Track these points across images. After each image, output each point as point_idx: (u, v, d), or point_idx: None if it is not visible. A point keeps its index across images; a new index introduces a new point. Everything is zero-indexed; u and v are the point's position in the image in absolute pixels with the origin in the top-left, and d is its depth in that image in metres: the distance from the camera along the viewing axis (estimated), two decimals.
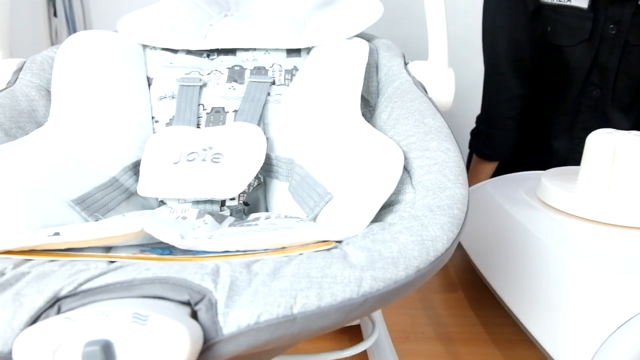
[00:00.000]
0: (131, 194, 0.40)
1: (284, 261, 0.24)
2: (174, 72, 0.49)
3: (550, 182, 0.48)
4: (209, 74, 0.49)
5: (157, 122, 0.46)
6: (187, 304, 0.22)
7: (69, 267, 0.25)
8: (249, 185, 0.41)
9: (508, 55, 0.80)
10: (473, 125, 0.90)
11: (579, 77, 0.77)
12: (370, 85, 0.46)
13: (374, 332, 0.37)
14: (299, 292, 0.21)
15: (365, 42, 0.46)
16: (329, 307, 0.21)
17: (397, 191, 0.31)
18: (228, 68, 0.49)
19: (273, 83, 0.48)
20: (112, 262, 0.26)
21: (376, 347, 0.42)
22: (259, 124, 0.43)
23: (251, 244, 0.27)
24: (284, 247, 0.27)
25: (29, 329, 0.19)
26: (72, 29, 1.17)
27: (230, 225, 0.34)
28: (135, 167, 0.42)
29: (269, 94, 0.46)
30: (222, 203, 0.40)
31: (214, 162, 0.39)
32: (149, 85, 0.48)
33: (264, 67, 0.49)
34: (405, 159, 0.33)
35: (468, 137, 0.91)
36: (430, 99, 0.40)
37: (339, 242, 0.27)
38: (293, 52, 0.51)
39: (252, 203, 0.43)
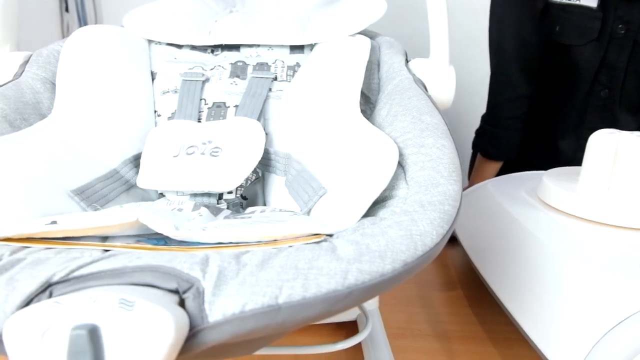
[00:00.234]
0: (131, 186, 0.41)
1: (273, 253, 0.24)
2: (177, 67, 0.50)
3: (551, 181, 0.47)
4: (212, 69, 0.49)
5: (159, 116, 0.46)
6: (176, 292, 0.22)
7: (64, 254, 0.25)
8: (247, 179, 0.41)
9: (515, 54, 0.79)
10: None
11: (587, 76, 0.76)
12: (372, 82, 0.47)
13: (367, 326, 0.38)
14: (284, 283, 0.22)
15: (368, 39, 0.47)
16: (314, 298, 0.21)
17: (391, 187, 0.31)
18: (231, 64, 0.49)
19: (275, 79, 0.48)
20: (107, 250, 0.26)
21: (371, 342, 0.42)
22: (259, 119, 0.43)
23: (243, 236, 0.28)
24: (275, 240, 0.28)
25: (19, 312, 0.19)
26: (83, 24, 1.18)
27: (225, 217, 0.35)
28: (136, 160, 0.42)
29: (270, 89, 0.47)
30: (220, 196, 0.40)
31: (213, 155, 0.40)
32: (153, 79, 0.49)
33: (267, 63, 0.49)
34: (401, 155, 0.33)
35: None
36: (429, 97, 0.40)
37: (330, 235, 0.27)
38: (296, 48, 0.52)
39: (250, 197, 0.43)
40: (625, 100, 0.75)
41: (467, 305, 0.52)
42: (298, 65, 0.50)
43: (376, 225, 0.26)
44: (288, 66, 0.49)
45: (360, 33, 0.49)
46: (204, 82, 0.47)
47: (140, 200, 0.41)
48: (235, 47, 0.52)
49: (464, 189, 0.67)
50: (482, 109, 0.88)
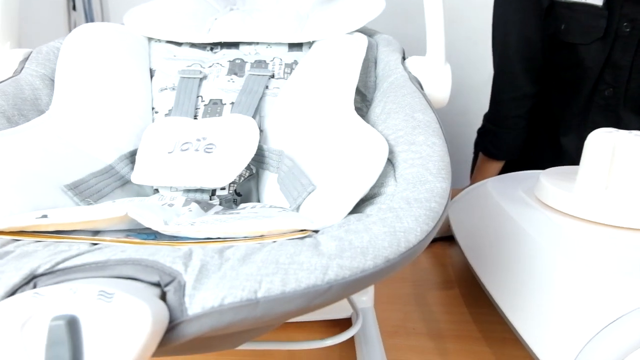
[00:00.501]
0: (126, 182, 0.42)
1: (256, 248, 0.24)
2: (176, 64, 0.50)
3: (548, 181, 0.47)
4: (210, 66, 0.49)
5: (157, 112, 0.47)
6: (158, 285, 0.22)
7: (52, 247, 0.26)
8: (240, 175, 0.41)
9: (519, 53, 0.78)
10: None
11: (591, 75, 0.75)
12: (368, 80, 0.47)
13: (357, 323, 0.38)
14: (264, 277, 0.22)
15: (365, 37, 0.47)
16: (292, 292, 0.22)
17: (380, 184, 0.31)
18: (229, 61, 0.49)
19: (272, 76, 0.48)
20: (95, 244, 0.27)
21: (364, 339, 0.42)
22: (254, 117, 0.44)
23: (230, 231, 0.28)
24: (262, 235, 0.28)
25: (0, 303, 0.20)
26: (90, 22, 1.20)
27: (215, 213, 0.35)
28: (132, 156, 0.43)
29: (267, 87, 0.47)
30: (213, 192, 0.41)
31: (207, 152, 0.40)
32: (152, 76, 0.49)
33: (264, 61, 0.49)
34: (391, 152, 0.33)
35: None
36: (424, 94, 0.40)
37: (316, 231, 0.28)
38: (294, 46, 0.52)
39: (244, 194, 0.44)
40: (629, 100, 0.74)
41: (464, 304, 0.52)
42: (296, 62, 0.50)
43: (361, 222, 0.26)
44: (286, 64, 0.49)
45: (358, 31, 0.49)
46: (201, 79, 0.48)
47: (135, 196, 0.41)
48: (234, 45, 0.52)
49: (464, 188, 0.66)
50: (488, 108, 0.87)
